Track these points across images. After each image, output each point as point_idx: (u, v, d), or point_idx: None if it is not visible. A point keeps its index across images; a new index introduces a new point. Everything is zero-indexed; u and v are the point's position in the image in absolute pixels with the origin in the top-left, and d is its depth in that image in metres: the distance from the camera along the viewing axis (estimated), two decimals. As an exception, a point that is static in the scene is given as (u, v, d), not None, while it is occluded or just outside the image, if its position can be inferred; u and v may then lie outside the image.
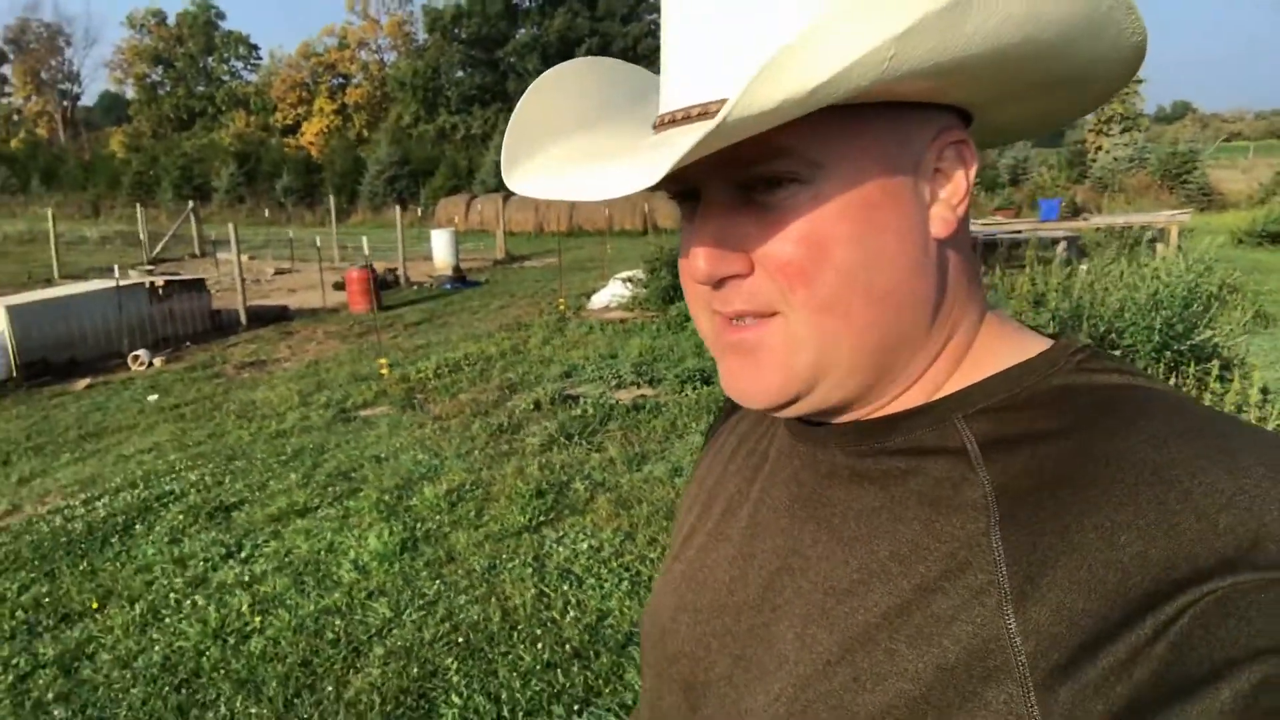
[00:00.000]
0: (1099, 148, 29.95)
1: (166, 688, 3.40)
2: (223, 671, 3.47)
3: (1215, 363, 5.48)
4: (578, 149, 0.60)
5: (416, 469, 5.62)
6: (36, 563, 4.74)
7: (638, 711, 0.75)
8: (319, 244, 17.26)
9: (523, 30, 48.89)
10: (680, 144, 0.45)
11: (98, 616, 4.08)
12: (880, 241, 0.53)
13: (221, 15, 61.21)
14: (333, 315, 14.39)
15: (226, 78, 60.57)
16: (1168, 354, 5.42)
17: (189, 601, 4.10)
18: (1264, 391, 5.35)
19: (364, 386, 8.35)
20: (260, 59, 61.53)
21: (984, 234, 12.42)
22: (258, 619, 3.83)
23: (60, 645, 3.80)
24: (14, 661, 3.72)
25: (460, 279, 17.66)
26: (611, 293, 12.80)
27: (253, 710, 3.17)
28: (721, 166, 0.52)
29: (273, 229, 28.89)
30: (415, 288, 17.49)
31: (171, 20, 60.71)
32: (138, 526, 5.15)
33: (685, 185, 0.56)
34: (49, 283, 18.19)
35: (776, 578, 0.60)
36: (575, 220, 26.66)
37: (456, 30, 48.96)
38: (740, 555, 0.64)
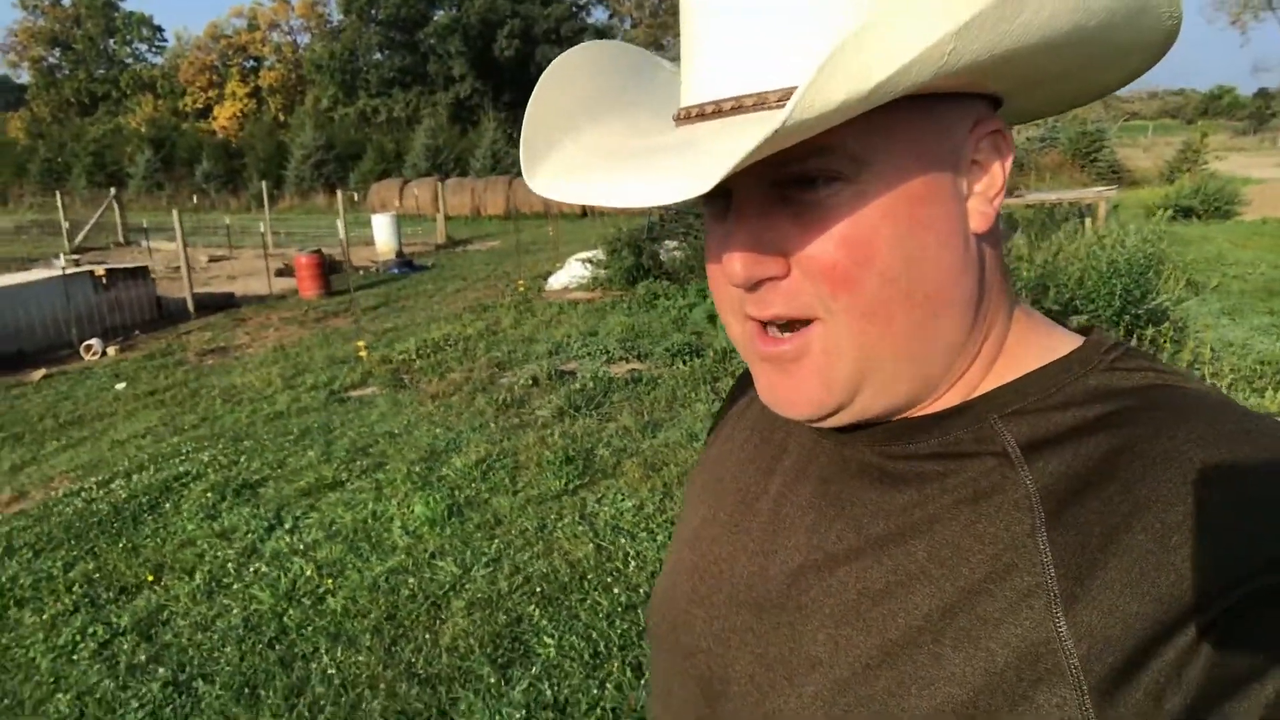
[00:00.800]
0: (1012, 127, 31.21)
1: (259, 644, 3.57)
2: (310, 628, 3.66)
3: (1167, 325, 6.05)
4: (598, 146, 0.59)
5: (435, 443, 5.80)
6: (72, 542, 4.80)
7: (649, 702, 0.73)
8: (266, 230, 16.98)
9: (441, 12, 48.16)
10: (736, 147, 0.43)
11: (156, 588, 4.20)
12: (924, 241, 0.52)
13: (122, -6, 58.63)
14: (282, 301, 14.24)
15: (130, 60, 58.10)
16: (1126, 318, 5.96)
17: (250, 570, 4.25)
18: (1212, 349, 5.94)
19: (346, 369, 8.43)
20: (165, 41, 59.30)
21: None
22: (329, 581, 4.02)
23: (131, 614, 3.92)
24: (90, 630, 3.83)
25: (407, 263, 17.60)
26: (570, 274, 13.00)
27: (357, 658, 3.39)
28: (759, 164, 0.49)
29: (199, 216, 28.10)
30: (360, 273, 17.34)
31: (67, 1, 57.86)
32: (165, 505, 5.23)
33: (717, 185, 0.54)
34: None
35: (800, 576, 0.59)
36: (513, 203, 26.63)
37: (373, 11, 47.95)
38: (760, 551, 0.63)
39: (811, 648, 0.55)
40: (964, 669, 0.48)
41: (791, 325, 0.55)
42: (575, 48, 0.64)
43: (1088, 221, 12.62)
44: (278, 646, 3.56)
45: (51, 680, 3.50)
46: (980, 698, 0.47)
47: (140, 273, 13.57)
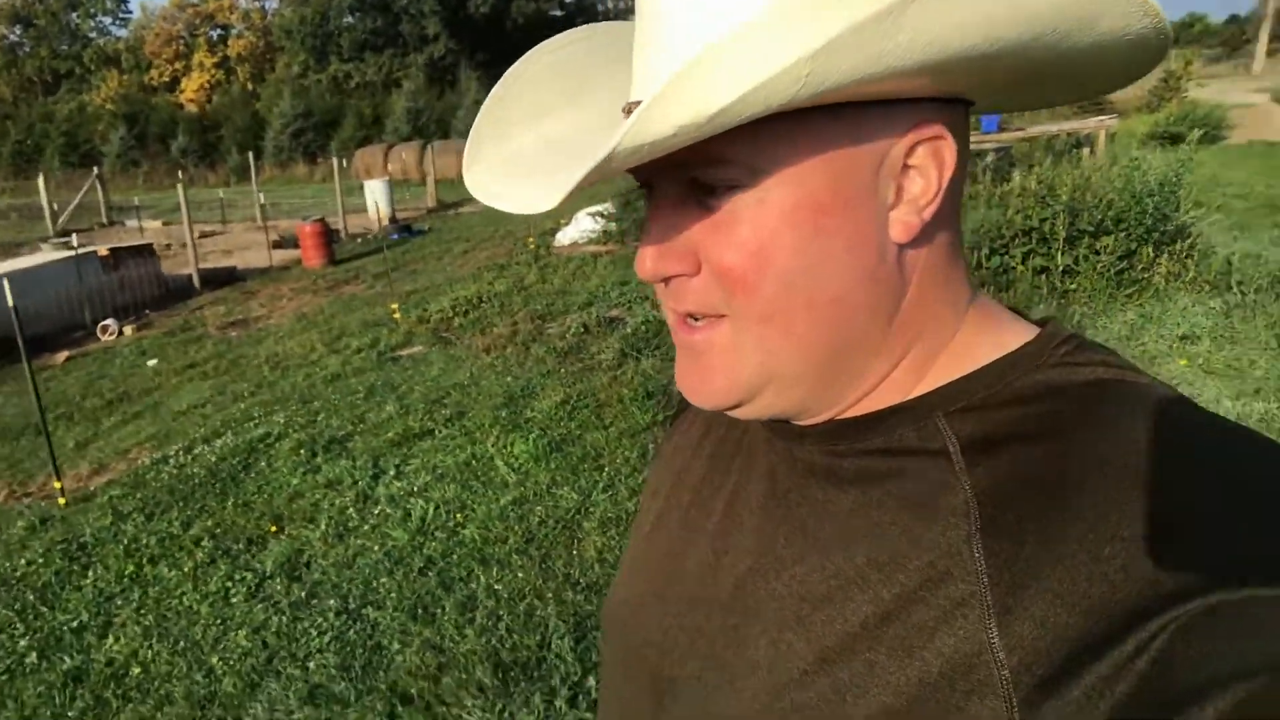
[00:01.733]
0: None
1: (411, 574, 3.84)
2: (455, 556, 3.93)
3: (1190, 240, 6.35)
4: (552, 137, 0.61)
5: (509, 389, 6.04)
6: (180, 504, 5.02)
7: (599, 698, 0.74)
8: (263, 202, 16.93)
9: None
10: (572, 174, 0.44)
11: (282, 537, 4.44)
12: (826, 248, 0.51)
13: (77, -33, 56.95)
14: (286, 273, 14.29)
15: (94, 35, 56.66)
16: (1155, 235, 6.26)
17: (372, 513, 4.50)
18: (1229, 262, 6.26)
19: (385, 330, 8.61)
20: (130, 13, 57.87)
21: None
22: (458, 515, 4.28)
23: (272, 560, 4.17)
24: (237, 577, 4.08)
25: (405, 228, 17.64)
26: (579, 229, 13.12)
27: (515, 575, 3.66)
28: (671, 164, 0.49)
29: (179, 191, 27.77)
30: (359, 240, 17.39)
31: (20, -25, 56.16)
32: (259, 463, 5.45)
33: (641, 180, 0.55)
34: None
35: (748, 579, 0.59)
36: (498, 164, 26.59)
37: (341, -27, 47.00)
38: (711, 550, 0.64)
39: (753, 651, 0.55)
40: (898, 678, 0.48)
41: (703, 317, 0.56)
42: (561, 34, 0.64)
43: (1085, 150, 12.92)
44: (430, 574, 3.82)
45: (218, 622, 3.75)
46: (914, 707, 0.47)
47: (145, 250, 13.57)
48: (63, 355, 10.23)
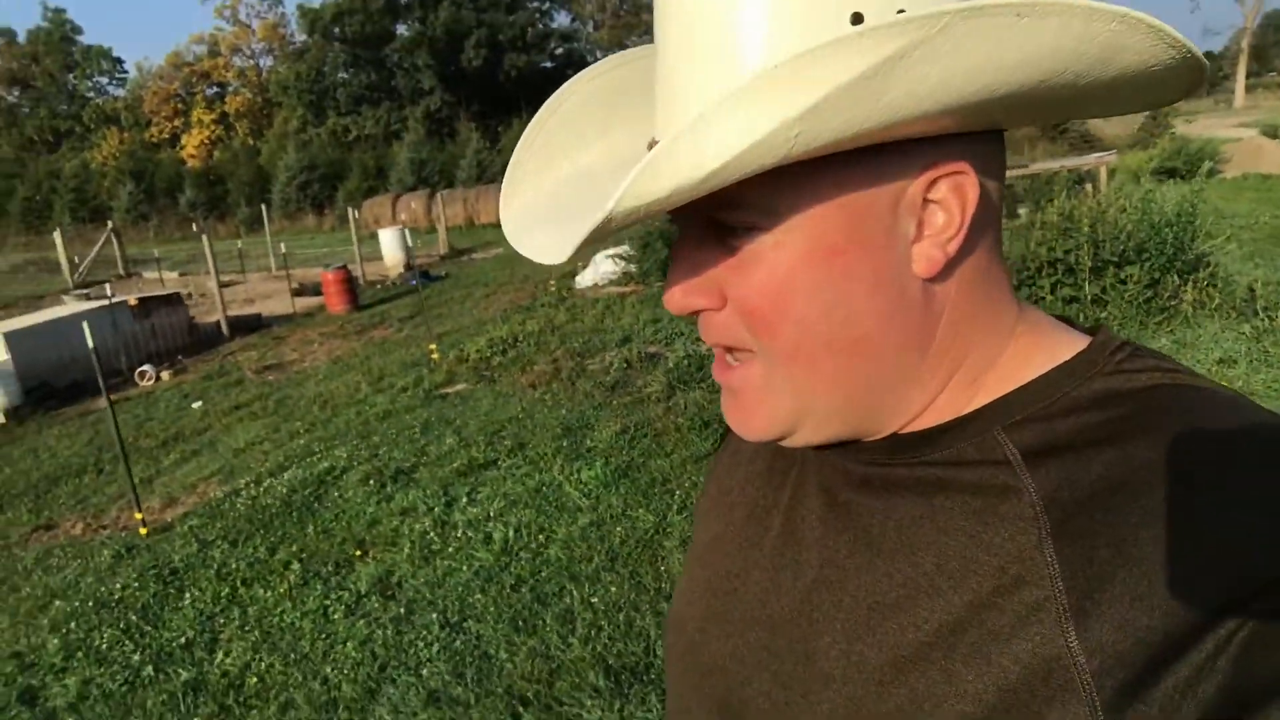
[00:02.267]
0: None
1: (504, 590, 4.05)
2: (544, 574, 4.14)
3: (1209, 270, 6.67)
4: (589, 169, 0.63)
5: (564, 421, 6.28)
6: (261, 532, 5.23)
7: None
8: (278, 252, 17.27)
9: (405, 27, 48.37)
10: (576, 231, 0.46)
11: (367, 560, 4.65)
12: (845, 290, 0.51)
13: (78, 30, 58.13)
14: (310, 319, 14.58)
15: (91, 94, 57.64)
16: (1176, 264, 6.58)
17: (453, 537, 4.72)
18: (1251, 288, 6.56)
19: (426, 370, 8.86)
20: (126, 73, 58.83)
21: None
22: (539, 536, 4.50)
23: (365, 581, 4.37)
24: (332, 595, 4.29)
25: (424, 274, 17.95)
26: (598, 272, 13.46)
27: (608, 590, 3.87)
28: (692, 205, 0.49)
29: (191, 245, 28.17)
30: (377, 286, 17.71)
31: (23, 38, 57.30)
32: (331, 494, 5.67)
33: (670, 218, 0.55)
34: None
35: (813, 591, 0.59)
36: (505, 211, 27.06)
37: (337, 30, 48.04)
38: (773, 566, 0.63)
39: (825, 664, 0.55)
40: (976, 685, 0.48)
41: (736, 353, 0.57)
42: (593, 66, 0.65)
43: (1088, 186, 13.34)
44: (522, 590, 4.03)
45: (323, 636, 3.95)
46: (993, 715, 0.47)
47: (174, 299, 13.87)
48: (104, 401, 10.45)
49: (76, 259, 21.42)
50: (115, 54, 58.71)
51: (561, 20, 52.23)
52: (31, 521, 6.52)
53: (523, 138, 0.64)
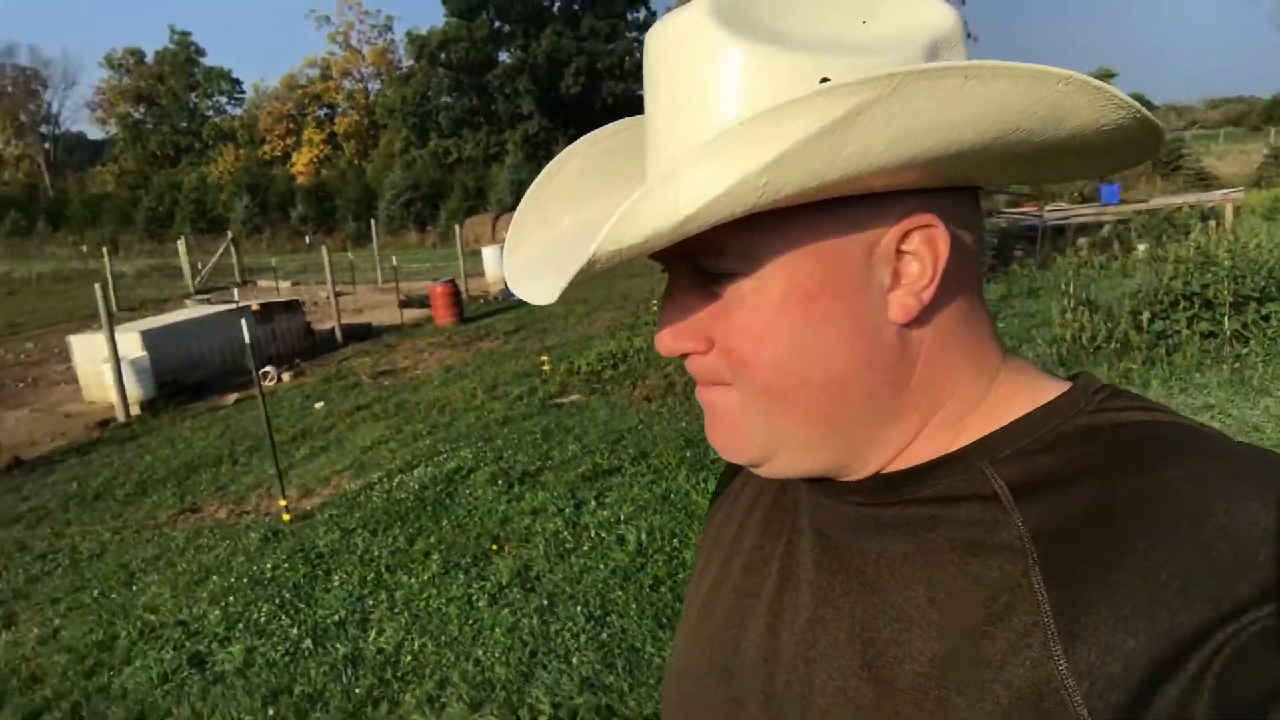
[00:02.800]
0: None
1: (643, 588, 4.16)
2: (681, 575, 4.24)
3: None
4: (587, 221, 0.64)
5: (685, 433, 6.40)
6: (399, 523, 5.46)
7: None
8: (390, 267, 17.91)
9: (507, 54, 49.81)
10: (561, 277, 0.49)
11: (504, 554, 4.82)
12: (819, 334, 0.54)
13: (201, 52, 61.42)
14: (418, 329, 15.04)
15: (210, 113, 60.79)
16: (1320, 301, 6.35)
17: (586, 536, 4.86)
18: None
19: (538, 381, 9.10)
20: (244, 93, 61.85)
21: (1053, 219, 13.51)
22: (674, 540, 4.60)
23: (506, 572, 4.54)
24: (475, 585, 4.46)
25: (525, 292, 18.40)
26: (700, 293, 13.64)
27: (747, 593, 3.94)
28: (677, 253, 0.53)
29: (301, 256, 29.42)
30: (480, 301, 18.18)
31: (150, 59, 60.81)
32: (460, 492, 5.89)
33: (660, 263, 0.59)
34: (111, 317, 18.66)
35: (809, 630, 0.60)
36: (601, 233, 27.55)
37: (442, 56, 49.73)
38: (769, 611, 0.65)
39: (821, 700, 0.56)
40: (970, 713, 0.49)
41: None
42: (595, 131, 0.68)
43: (1212, 222, 12.94)
44: (662, 589, 4.14)
45: (470, 622, 4.12)
46: None
47: (293, 306, 14.53)
48: (232, 397, 11.03)
49: (199, 265, 22.55)
50: (234, 75, 61.84)
51: (659, 49, 52.88)
52: (177, 505, 6.92)
53: (527, 196, 0.67)
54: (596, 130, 0.67)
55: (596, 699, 3.35)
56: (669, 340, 0.58)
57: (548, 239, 0.66)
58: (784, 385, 0.55)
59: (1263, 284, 6.38)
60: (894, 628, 0.54)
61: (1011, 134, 0.48)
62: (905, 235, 0.53)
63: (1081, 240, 13.15)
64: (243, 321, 6.40)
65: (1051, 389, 0.58)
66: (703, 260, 0.55)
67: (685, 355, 0.59)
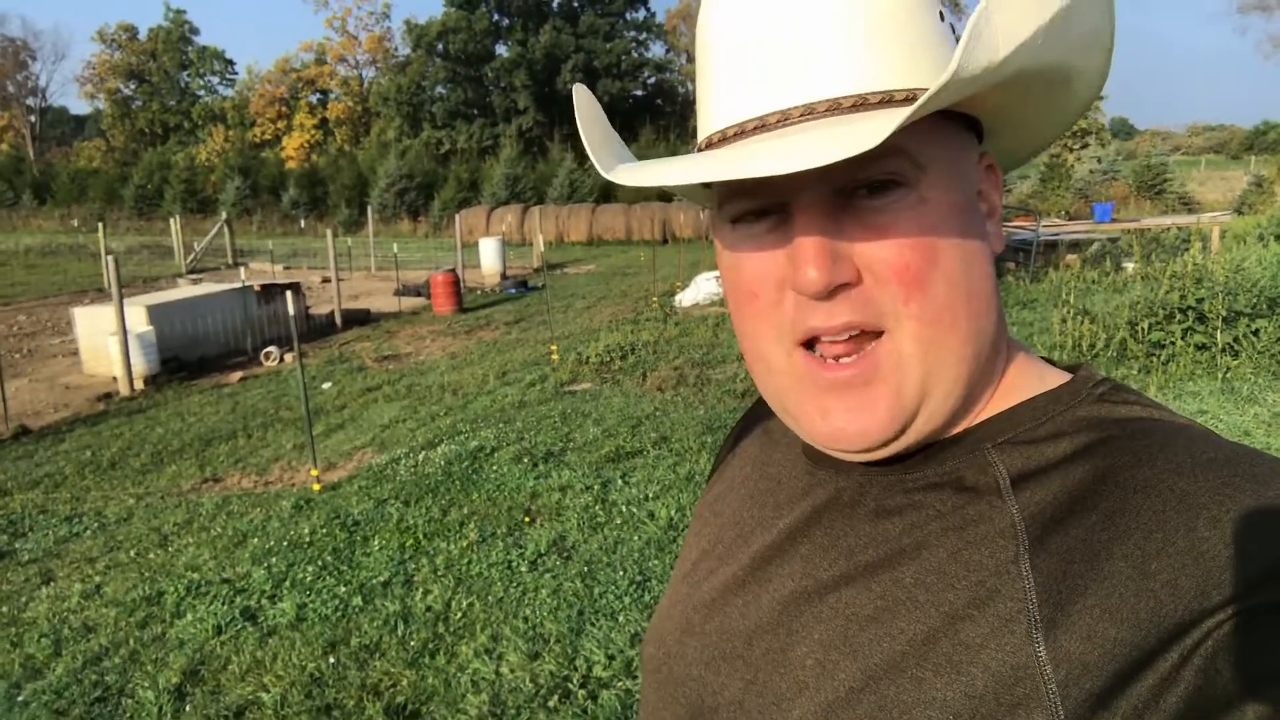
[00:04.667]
0: (1068, 163, 31.83)
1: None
2: (714, 548, 4.47)
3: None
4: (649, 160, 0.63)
5: (701, 420, 6.64)
6: (430, 496, 5.67)
7: None
8: (396, 252, 18.05)
9: (506, 46, 49.91)
10: (890, 116, 0.47)
11: (537, 526, 5.04)
12: (974, 248, 0.55)
13: (195, 30, 61.06)
14: (417, 317, 15.20)
15: (201, 93, 60.42)
16: (1308, 318, 6.70)
17: (616, 511, 5.10)
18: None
19: (548, 369, 9.31)
20: (236, 74, 61.53)
21: (1047, 234, 13.89)
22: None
23: (542, 542, 4.76)
24: (514, 553, 4.68)
25: (522, 284, 18.60)
26: (700, 291, 13.87)
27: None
28: (822, 174, 0.51)
29: (293, 241, 29.41)
30: (477, 292, 18.34)
31: (143, 35, 60.36)
32: (490, 468, 6.10)
33: (765, 201, 0.56)
34: (100, 293, 18.61)
35: (792, 603, 0.60)
36: (595, 231, 27.69)
37: (440, 46, 49.76)
38: (754, 580, 0.65)
39: (799, 673, 0.57)
40: (945, 694, 0.49)
41: (850, 350, 0.56)
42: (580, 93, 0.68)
43: (1197, 245, 13.37)
44: (697, 559, 4.37)
45: (514, 585, 4.34)
46: None
47: (293, 288, 14.64)
48: (237, 375, 11.16)
49: (194, 244, 22.54)
50: (227, 56, 61.50)
51: (656, 51, 53.34)
52: (198, 475, 7.07)
53: (585, 132, 0.66)
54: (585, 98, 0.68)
55: (645, 654, 3.57)
56: (819, 274, 0.53)
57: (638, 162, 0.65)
58: (954, 304, 0.54)
59: (1254, 301, 6.72)
60: (878, 605, 0.55)
61: (1075, 58, 0.54)
62: (983, 169, 0.59)
63: (1071, 256, 13.54)
64: (288, 295, 6.52)
65: (1053, 377, 0.60)
66: (864, 170, 0.52)
67: (833, 294, 0.54)
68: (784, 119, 0.53)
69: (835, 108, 0.52)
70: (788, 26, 0.53)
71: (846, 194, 0.54)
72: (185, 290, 14.15)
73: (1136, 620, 0.45)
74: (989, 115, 0.59)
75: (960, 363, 0.55)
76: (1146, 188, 29.10)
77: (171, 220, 24.41)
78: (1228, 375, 6.40)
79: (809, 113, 0.53)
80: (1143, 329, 6.90)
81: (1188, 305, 6.86)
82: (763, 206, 0.56)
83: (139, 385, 10.71)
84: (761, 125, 0.54)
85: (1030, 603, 0.49)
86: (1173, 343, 6.77)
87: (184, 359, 11.93)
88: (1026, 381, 0.60)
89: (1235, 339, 6.63)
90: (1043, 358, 0.64)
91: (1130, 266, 12.94)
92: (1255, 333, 6.61)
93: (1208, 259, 7.42)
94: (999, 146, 0.65)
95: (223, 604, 4.44)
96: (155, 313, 11.74)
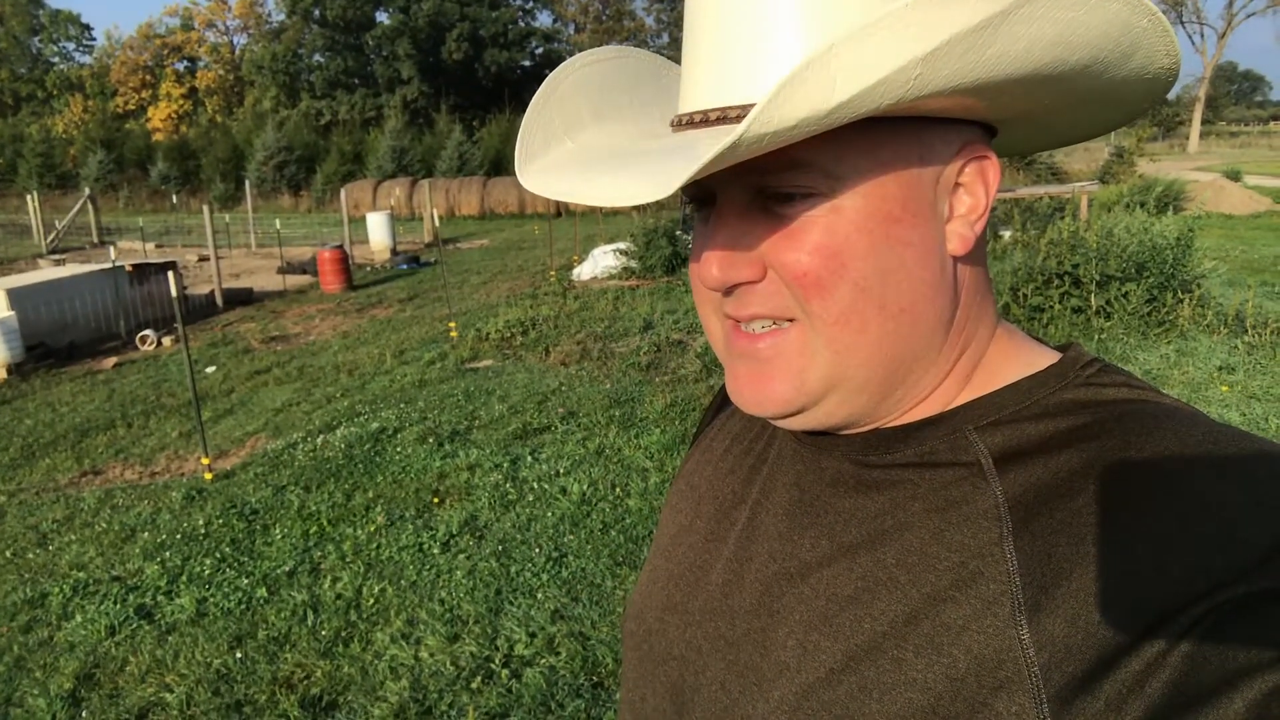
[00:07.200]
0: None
1: (594, 532, 4.40)
2: (627, 520, 4.50)
3: (1198, 291, 7.27)
4: (594, 146, 0.62)
5: (609, 394, 6.64)
6: (331, 481, 5.50)
7: (620, 709, 0.74)
8: (279, 228, 17.32)
9: (386, 14, 48.29)
10: (696, 156, 0.44)
11: (446, 507, 4.96)
12: (897, 256, 0.53)
13: (45, -9, 56.86)
14: (304, 296, 14.68)
15: (56, 60, 56.38)
16: (1173, 284, 7.16)
17: (528, 488, 5.06)
18: (1238, 310, 7.16)
19: (448, 346, 9.13)
20: (94, 40, 57.68)
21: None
22: (616, 490, 4.85)
23: (452, 523, 4.68)
24: (425, 535, 4.59)
25: (414, 259, 18.15)
26: (597, 265, 13.81)
27: (694, 535, 4.24)
28: (740, 173, 0.52)
29: (164, 217, 27.88)
30: (366, 269, 17.82)
31: (-14, -4, 55.83)
32: (393, 450, 5.95)
33: (700, 191, 0.57)
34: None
35: (774, 583, 0.60)
36: (488, 204, 27.24)
37: (317, 12, 47.77)
38: (735, 558, 0.64)
39: (781, 653, 0.56)
40: (925, 675, 0.49)
41: (770, 326, 0.56)
42: (592, 50, 0.66)
43: (1069, 213, 14.08)
44: (612, 532, 4.39)
45: (428, 567, 4.26)
46: (940, 704, 0.48)
47: (169, 268, 13.90)
48: (111, 361, 10.54)
49: (56, 223, 21.09)
50: (84, 20, 57.52)
51: (544, 20, 52.59)
52: (75, 468, 6.66)
53: (530, 111, 0.63)
54: (588, 51, 0.66)
55: (569, 626, 3.57)
56: (719, 270, 0.55)
57: (569, 149, 0.63)
58: (863, 309, 0.53)
59: (1124, 266, 7.13)
60: (860, 585, 0.54)
61: (1097, 63, 0.50)
62: (963, 166, 0.55)
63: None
64: (169, 275, 6.17)
65: (1043, 357, 0.60)
66: (774, 178, 0.52)
67: (732, 290, 0.56)
68: (702, 119, 0.54)
69: (714, 119, 0.53)
70: (718, 17, 0.53)
71: (763, 195, 0.54)
72: (49, 272, 13.26)
73: (1122, 605, 0.45)
74: (994, 117, 0.56)
75: (872, 364, 0.55)
76: (1018, 158, 30.49)
77: (29, 197, 22.70)
78: (1102, 336, 6.80)
79: (704, 120, 0.53)
80: (1024, 294, 7.24)
81: (1064, 271, 7.22)
82: (700, 198, 0.58)
83: (1, 375, 10.02)
84: (690, 121, 0.55)
85: (1013, 585, 0.48)
86: (1051, 306, 7.13)
87: (51, 345, 11.20)
88: (1012, 363, 0.59)
89: (1108, 301, 7.03)
90: (1034, 337, 0.63)
91: (1007, 234, 13.53)
92: (1125, 295, 7.02)
93: (1080, 226, 7.82)
94: (1011, 137, 0.63)
95: (114, 603, 4.21)
96: (16, 296, 10.95)
